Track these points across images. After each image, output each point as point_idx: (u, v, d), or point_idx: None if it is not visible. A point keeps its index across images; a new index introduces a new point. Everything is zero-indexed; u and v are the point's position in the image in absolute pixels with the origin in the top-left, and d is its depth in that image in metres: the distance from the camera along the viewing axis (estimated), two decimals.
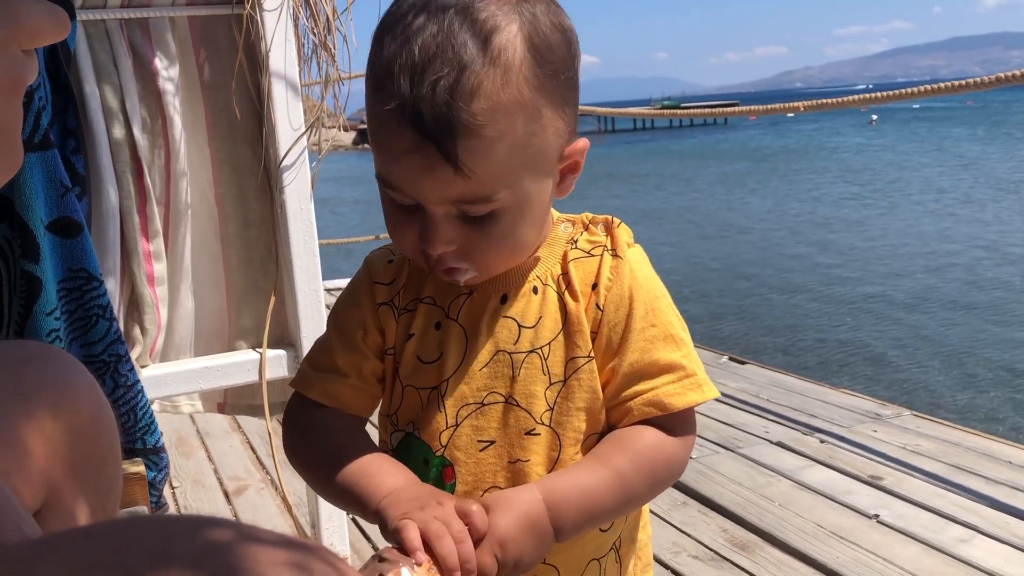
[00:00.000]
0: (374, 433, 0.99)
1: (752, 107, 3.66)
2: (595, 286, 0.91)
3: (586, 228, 0.96)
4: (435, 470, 0.92)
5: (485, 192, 0.82)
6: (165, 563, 0.48)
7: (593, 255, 0.93)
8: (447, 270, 0.88)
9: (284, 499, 2.54)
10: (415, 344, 0.94)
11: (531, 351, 0.91)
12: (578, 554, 0.93)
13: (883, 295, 10.26)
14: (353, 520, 2.31)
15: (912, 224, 15.57)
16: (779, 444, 3.05)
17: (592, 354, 0.90)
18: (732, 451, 2.99)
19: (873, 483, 2.66)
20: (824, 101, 3.12)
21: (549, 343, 0.91)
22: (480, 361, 0.91)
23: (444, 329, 0.93)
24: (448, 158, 0.78)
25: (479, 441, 0.91)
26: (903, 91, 2.92)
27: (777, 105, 3.39)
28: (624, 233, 0.95)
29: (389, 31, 0.81)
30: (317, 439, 0.95)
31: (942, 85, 2.83)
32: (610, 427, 0.92)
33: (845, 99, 3.26)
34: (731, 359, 4.22)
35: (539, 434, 0.90)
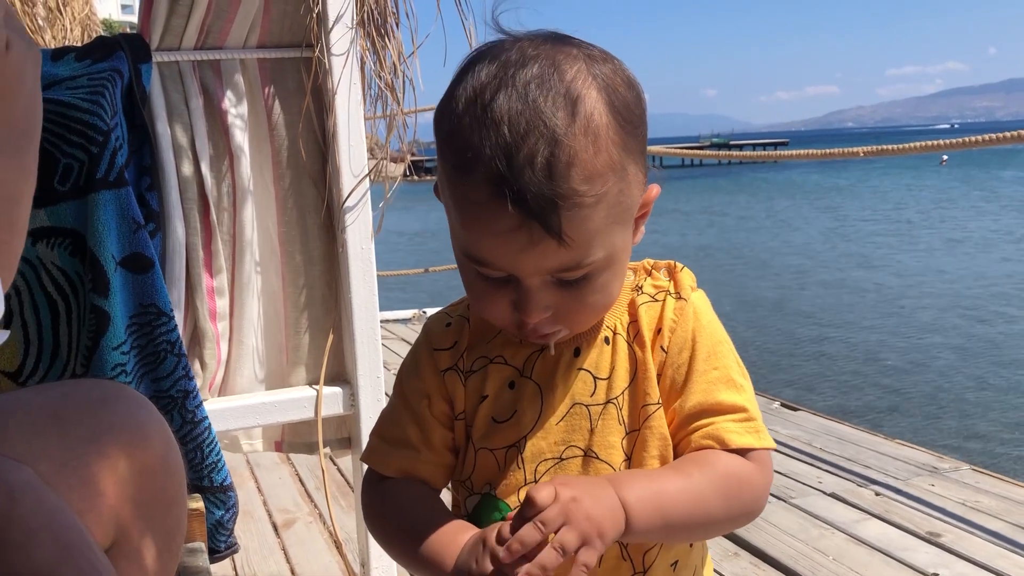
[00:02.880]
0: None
1: (809, 151, 3.63)
2: (659, 330, 0.91)
3: (649, 273, 0.96)
4: None
5: (583, 257, 0.82)
6: None
7: (658, 300, 0.93)
8: (541, 335, 0.88)
9: (333, 535, 2.53)
10: (488, 406, 0.93)
11: (607, 402, 0.91)
12: None
13: (928, 340, 10.03)
14: None
15: (972, 266, 15.25)
16: (833, 495, 2.98)
17: (660, 400, 0.90)
18: (785, 501, 2.93)
19: (932, 540, 2.58)
20: (884, 147, 3.09)
21: (623, 392, 0.91)
22: (557, 415, 0.91)
23: (519, 388, 0.93)
24: (552, 232, 0.79)
25: None
26: (973, 138, 2.87)
27: (835, 150, 3.35)
28: (687, 277, 0.95)
29: (467, 110, 0.80)
30: (394, 512, 0.95)
31: (1009, 134, 2.78)
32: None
33: (905, 146, 3.22)
34: (783, 405, 4.15)
35: None
